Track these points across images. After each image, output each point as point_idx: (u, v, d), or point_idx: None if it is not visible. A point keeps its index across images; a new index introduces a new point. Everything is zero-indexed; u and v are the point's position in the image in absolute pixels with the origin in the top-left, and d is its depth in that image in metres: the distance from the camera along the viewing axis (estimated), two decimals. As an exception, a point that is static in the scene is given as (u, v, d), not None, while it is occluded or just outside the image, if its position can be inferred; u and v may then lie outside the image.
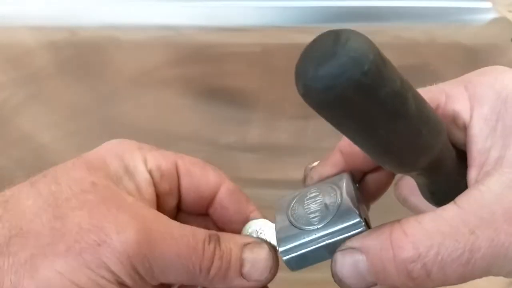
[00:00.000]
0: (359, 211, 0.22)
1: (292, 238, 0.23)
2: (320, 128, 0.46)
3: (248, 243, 0.23)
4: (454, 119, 0.22)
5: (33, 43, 0.56)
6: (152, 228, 0.20)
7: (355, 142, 0.19)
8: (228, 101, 0.50)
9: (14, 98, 0.53)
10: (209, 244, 0.22)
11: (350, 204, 0.23)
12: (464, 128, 0.22)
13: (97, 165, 0.22)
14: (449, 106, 0.22)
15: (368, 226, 0.23)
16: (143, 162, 0.23)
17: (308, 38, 0.17)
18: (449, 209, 0.20)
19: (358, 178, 0.26)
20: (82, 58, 0.55)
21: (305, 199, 0.24)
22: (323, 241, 0.22)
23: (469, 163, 0.21)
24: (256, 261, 0.23)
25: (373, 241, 0.21)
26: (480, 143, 0.21)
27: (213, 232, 0.23)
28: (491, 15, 0.60)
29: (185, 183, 0.24)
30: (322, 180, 0.26)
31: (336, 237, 0.22)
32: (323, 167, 0.26)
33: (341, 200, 0.23)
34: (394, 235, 0.20)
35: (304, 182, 0.45)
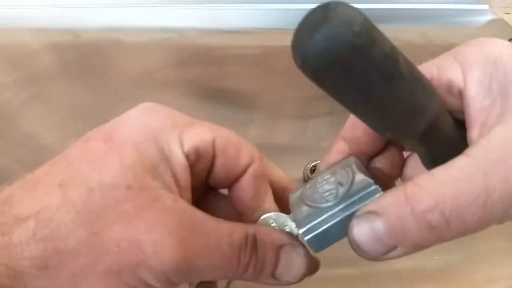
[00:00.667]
0: (373, 179, 0.22)
1: (310, 218, 0.22)
2: (319, 128, 0.46)
3: (284, 245, 0.23)
4: (448, 88, 0.22)
5: (36, 44, 0.56)
6: (189, 242, 0.20)
7: (353, 110, 0.20)
8: (229, 102, 0.51)
9: (17, 99, 0.53)
10: (245, 250, 0.21)
11: (363, 175, 0.23)
12: (459, 95, 0.22)
13: (130, 155, 0.20)
14: (442, 76, 0.22)
15: None
16: (179, 144, 0.22)
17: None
18: (459, 159, 0.20)
19: (364, 162, 0.26)
20: (84, 59, 0.55)
21: (317, 183, 0.24)
22: (342, 213, 0.22)
23: (469, 125, 0.21)
24: (290, 266, 0.23)
25: (388, 200, 0.20)
26: (478, 103, 0.21)
27: (251, 230, 0.22)
28: (488, 17, 0.61)
29: (218, 162, 0.23)
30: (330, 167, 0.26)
31: (355, 207, 0.22)
32: (328, 155, 0.26)
33: (353, 175, 0.23)
34: (408, 189, 0.19)
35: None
